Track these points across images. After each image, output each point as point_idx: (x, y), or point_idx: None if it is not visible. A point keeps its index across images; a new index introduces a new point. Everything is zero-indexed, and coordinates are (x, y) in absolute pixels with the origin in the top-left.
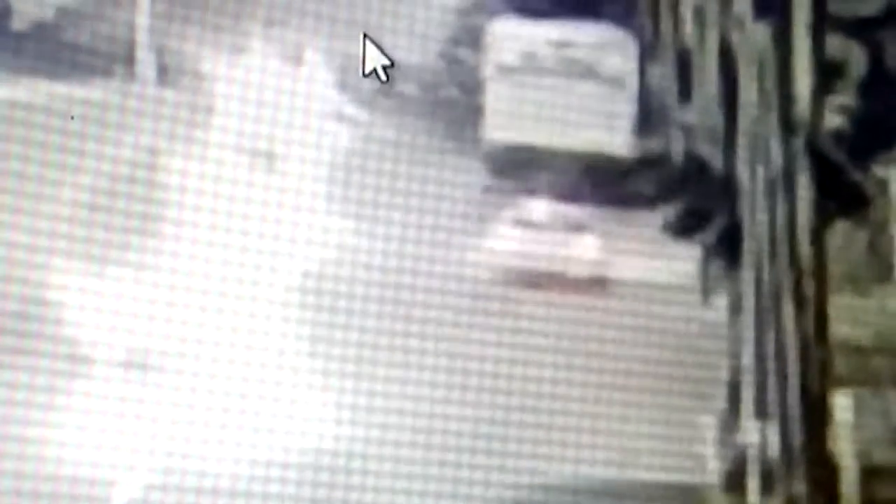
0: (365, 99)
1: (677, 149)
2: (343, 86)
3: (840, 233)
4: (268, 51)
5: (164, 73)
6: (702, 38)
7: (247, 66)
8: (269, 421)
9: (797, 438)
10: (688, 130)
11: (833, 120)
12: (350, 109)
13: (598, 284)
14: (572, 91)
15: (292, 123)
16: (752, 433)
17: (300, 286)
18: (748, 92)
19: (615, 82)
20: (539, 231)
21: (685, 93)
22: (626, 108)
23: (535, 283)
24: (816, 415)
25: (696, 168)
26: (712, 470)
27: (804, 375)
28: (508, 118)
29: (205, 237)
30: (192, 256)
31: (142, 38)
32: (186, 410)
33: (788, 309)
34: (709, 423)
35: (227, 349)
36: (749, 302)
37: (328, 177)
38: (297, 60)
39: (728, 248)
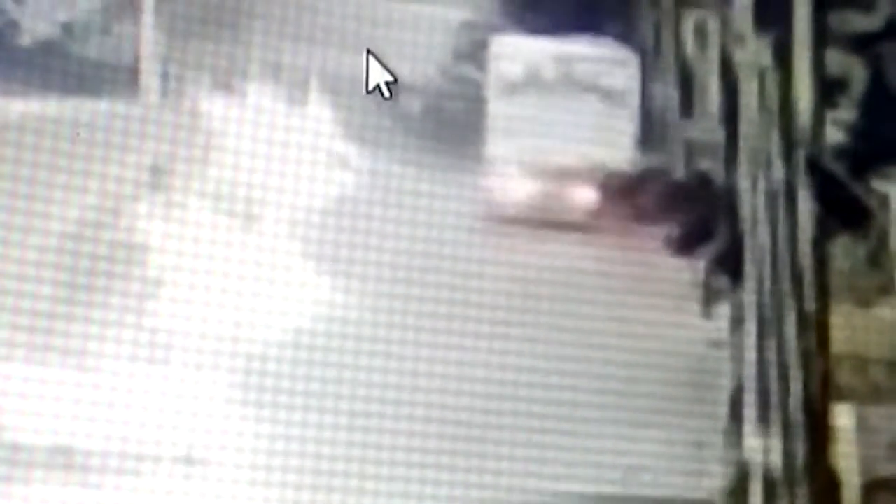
0: (366, 119)
1: (679, 164)
2: (344, 107)
3: (841, 246)
4: (268, 90)
5: (166, 96)
6: (703, 53)
7: (244, 107)
8: None
9: (799, 451)
10: (689, 146)
11: (834, 135)
12: (352, 153)
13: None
14: (575, 106)
15: (290, 170)
16: (755, 447)
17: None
18: (749, 107)
19: (617, 97)
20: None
21: (687, 108)
22: (628, 123)
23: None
24: (818, 427)
25: (697, 183)
26: (714, 484)
27: (806, 388)
28: (511, 133)
29: (154, 322)
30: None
31: (147, 61)
32: None
33: (790, 322)
34: (710, 437)
35: (171, 445)
36: (751, 315)
37: (323, 226)
38: (301, 101)
39: (730, 261)
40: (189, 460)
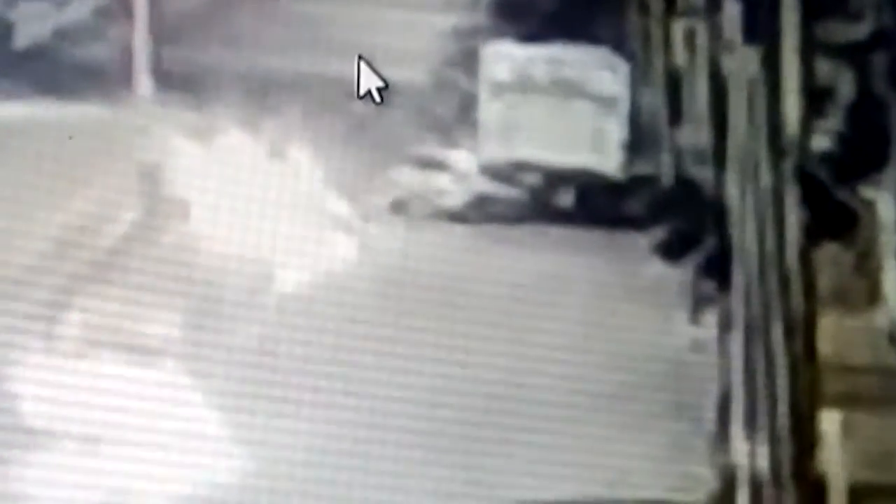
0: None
1: (667, 171)
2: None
3: (828, 253)
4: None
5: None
6: (692, 61)
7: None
8: None
9: (786, 456)
10: (678, 153)
11: (821, 142)
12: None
13: None
14: (565, 111)
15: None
16: (742, 452)
17: None
18: (738, 115)
19: (607, 103)
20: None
21: (675, 115)
22: (617, 129)
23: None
24: (805, 433)
25: (686, 190)
26: (701, 489)
27: (793, 394)
28: (501, 136)
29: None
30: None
31: (140, 66)
32: None
33: (777, 328)
34: (698, 441)
35: None
36: (738, 321)
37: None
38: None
39: (718, 268)
40: None
